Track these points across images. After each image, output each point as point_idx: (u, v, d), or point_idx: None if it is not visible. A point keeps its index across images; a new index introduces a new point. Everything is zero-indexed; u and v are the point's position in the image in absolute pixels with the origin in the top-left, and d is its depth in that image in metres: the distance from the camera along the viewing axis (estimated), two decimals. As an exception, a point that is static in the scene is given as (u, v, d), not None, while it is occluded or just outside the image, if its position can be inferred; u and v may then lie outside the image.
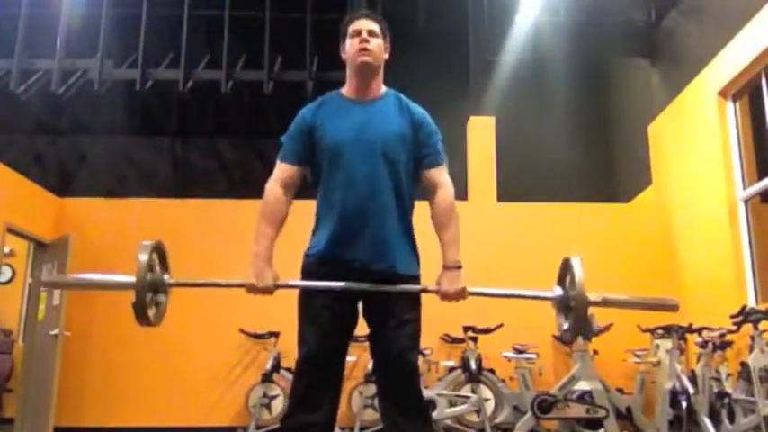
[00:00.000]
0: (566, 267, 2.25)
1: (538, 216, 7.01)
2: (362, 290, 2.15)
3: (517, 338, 6.19)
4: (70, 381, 6.19)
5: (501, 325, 6.00)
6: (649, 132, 7.56)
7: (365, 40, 2.26)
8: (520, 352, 6.10)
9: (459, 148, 7.48)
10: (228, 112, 8.88)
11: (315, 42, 8.17)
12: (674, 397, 5.15)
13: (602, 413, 5.46)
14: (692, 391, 5.02)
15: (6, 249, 6.89)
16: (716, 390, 5.10)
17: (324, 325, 2.16)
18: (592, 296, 2.14)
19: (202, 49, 8.28)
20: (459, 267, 2.21)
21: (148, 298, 2.23)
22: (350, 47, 2.29)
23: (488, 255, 6.74)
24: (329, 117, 2.29)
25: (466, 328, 6.02)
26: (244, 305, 6.45)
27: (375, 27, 2.31)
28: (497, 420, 5.90)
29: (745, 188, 5.88)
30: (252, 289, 2.17)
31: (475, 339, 6.03)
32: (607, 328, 5.90)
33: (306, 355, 2.16)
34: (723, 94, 6.06)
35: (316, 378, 2.14)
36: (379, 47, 2.30)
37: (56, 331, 5.99)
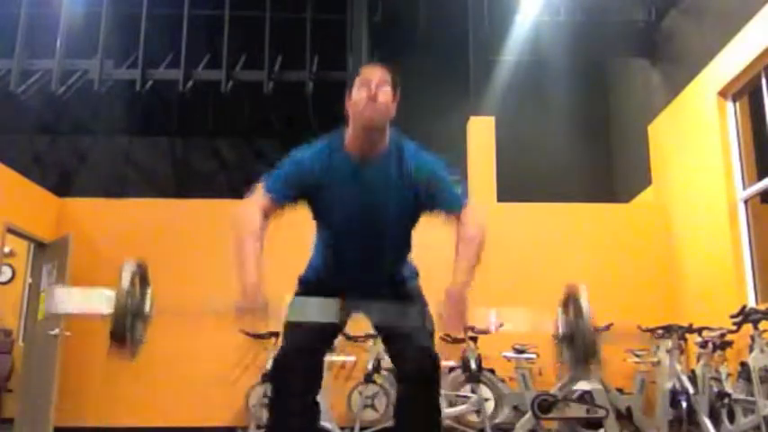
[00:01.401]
0: (572, 299, 2.29)
1: (538, 216, 7.01)
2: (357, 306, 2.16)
3: (517, 338, 6.19)
4: (70, 381, 6.18)
5: (501, 325, 5.99)
6: (649, 132, 7.56)
7: (375, 92, 2.04)
8: (520, 352, 6.10)
9: (460, 148, 7.48)
10: (228, 112, 8.88)
11: (315, 42, 8.17)
12: (674, 397, 5.15)
13: (602, 413, 5.46)
14: (692, 391, 5.01)
15: (6, 249, 6.89)
16: (716, 390, 5.09)
17: (309, 326, 2.12)
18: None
19: (202, 49, 8.28)
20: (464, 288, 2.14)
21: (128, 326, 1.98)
22: (356, 95, 2.05)
23: (488, 255, 6.74)
24: (337, 182, 2.09)
25: (466, 328, 6.02)
26: (244, 305, 6.49)
27: (386, 76, 2.08)
28: (497, 420, 5.90)
29: (745, 188, 5.88)
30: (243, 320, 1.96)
31: (475, 339, 6.03)
32: (607, 328, 5.89)
33: (284, 352, 2.13)
34: (723, 94, 6.06)
35: (294, 372, 2.10)
36: (387, 103, 2.06)
37: (56, 331, 5.98)
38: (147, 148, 9.10)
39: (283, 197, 2.08)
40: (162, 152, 9.18)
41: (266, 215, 2.05)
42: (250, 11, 8.28)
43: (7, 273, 7.81)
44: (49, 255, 6.57)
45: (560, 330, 2.24)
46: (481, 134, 7.21)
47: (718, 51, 6.00)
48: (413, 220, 2.22)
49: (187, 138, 9.28)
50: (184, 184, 8.85)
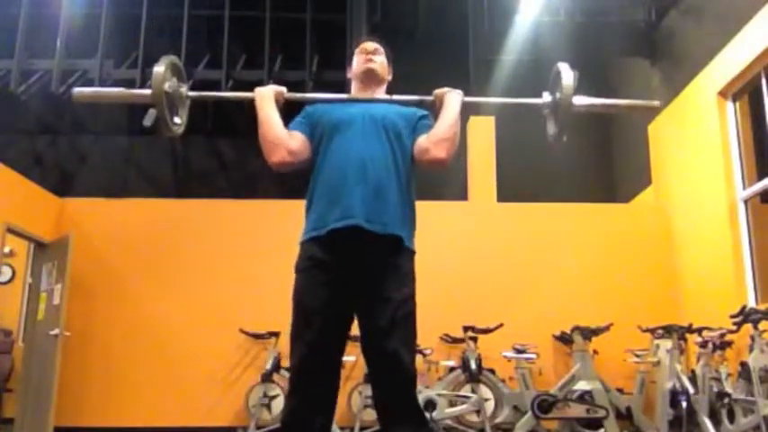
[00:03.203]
0: (556, 75, 2.39)
1: (538, 216, 7.01)
2: (354, 258, 2.09)
3: (517, 338, 6.19)
4: (70, 381, 6.18)
5: (501, 325, 6.01)
6: (649, 132, 7.57)
7: (370, 55, 2.42)
8: (520, 352, 6.10)
9: (460, 148, 7.48)
10: (228, 112, 8.88)
11: (315, 42, 8.18)
12: (674, 397, 5.15)
13: (602, 413, 5.46)
14: (692, 391, 5.02)
15: (6, 249, 6.90)
16: (716, 390, 5.10)
17: (319, 327, 2.11)
18: (576, 100, 2.33)
19: (202, 49, 8.29)
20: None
21: (168, 111, 2.31)
22: (356, 62, 2.44)
23: (488, 255, 6.75)
24: (333, 106, 2.37)
25: (466, 328, 6.02)
26: (244, 305, 6.50)
27: (380, 47, 2.46)
28: (497, 420, 5.90)
29: (745, 188, 5.88)
30: (260, 94, 2.37)
31: (475, 339, 6.03)
32: (607, 328, 5.90)
33: (301, 357, 2.11)
34: (723, 94, 6.07)
35: (312, 379, 2.10)
36: (382, 64, 2.44)
37: (56, 331, 5.99)
38: (147, 148, 9.09)
39: (299, 129, 2.29)
40: (162, 152, 9.18)
41: (295, 138, 2.26)
42: (250, 11, 8.28)
43: (7, 273, 7.81)
44: (49, 255, 6.57)
45: (547, 106, 2.46)
46: (481, 134, 7.21)
47: (718, 51, 6.00)
48: (408, 140, 2.27)
49: (187, 138, 9.27)
50: (184, 184, 8.85)
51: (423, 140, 2.23)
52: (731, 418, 4.95)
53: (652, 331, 5.70)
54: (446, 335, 6.36)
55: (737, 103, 6.08)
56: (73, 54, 7.86)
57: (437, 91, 2.33)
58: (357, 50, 2.46)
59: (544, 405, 5.52)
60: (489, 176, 7.09)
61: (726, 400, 4.98)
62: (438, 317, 6.03)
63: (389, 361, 2.05)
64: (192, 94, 2.48)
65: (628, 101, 2.79)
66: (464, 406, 5.86)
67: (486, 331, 5.99)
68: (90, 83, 7.77)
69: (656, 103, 2.56)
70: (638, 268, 6.75)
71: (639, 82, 8.04)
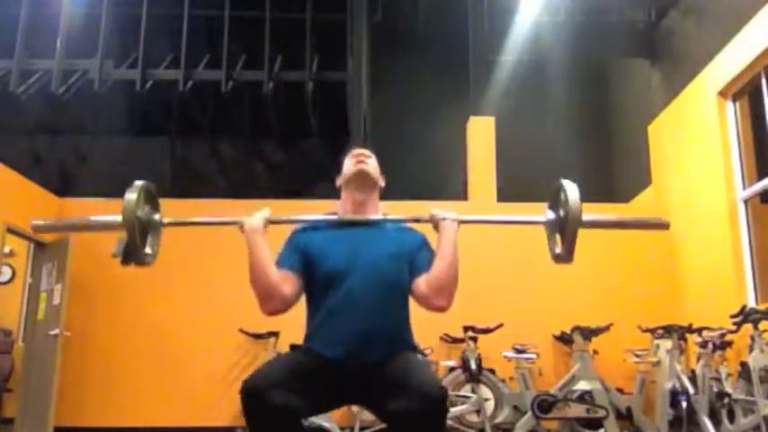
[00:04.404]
0: (558, 190, 2.23)
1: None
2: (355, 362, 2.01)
3: (517, 338, 6.19)
4: (70, 381, 6.19)
5: (501, 325, 6.01)
6: (649, 132, 7.56)
7: (362, 157, 2.27)
8: (520, 352, 6.10)
9: (460, 148, 7.49)
10: (228, 112, 8.88)
11: (315, 42, 8.17)
12: (674, 397, 5.16)
13: (602, 413, 5.46)
14: (692, 391, 5.02)
15: (6, 249, 6.89)
16: (716, 390, 5.10)
17: (292, 364, 2.00)
18: (585, 217, 2.12)
19: (202, 49, 8.28)
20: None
21: (139, 239, 2.17)
22: (346, 166, 2.28)
23: (488, 255, 6.75)
24: (324, 239, 2.19)
25: (466, 328, 6.02)
26: (244, 305, 6.49)
27: (371, 153, 2.32)
28: (497, 420, 5.90)
29: (745, 188, 5.88)
30: (251, 229, 2.12)
31: (475, 339, 6.03)
32: (607, 328, 5.90)
33: (247, 383, 1.88)
34: (723, 94, 6.07)
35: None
36: (375, 167, 2.29)
37: (56, 331, 5.99)
38: (147, 148, 9.09)
39: (287, 264, 2.14)
40: (162, 152, 9.18)
41: (284, 278, 2.11)
42: (250, 11, 8.28)
43: (7, 273, 7.81)
44: (49, 255, 6.57)
45: (549, 223, 2.28)
46: (481, 134, 7.21)
47: (718, 51, 6.00)
48: (405, 280, 2.15)
49: (187, 138, 9.28)
50: (184, 184, 8.85)
51: (423, 286, 2.09)
52: (731, 418, 4.95)
53: (652, 331, 5.70)
54: (446, 335, 6.37)
55: (737, 103, 6.08)
56: (73, 54, 7.85)
57: (433, 212, 2.16)
58: (347, 157, 2.31)
59: (544, 405, 5.52)
60: (489, 176, 7.09)
61: (726, 400, 4.98)
62: (438, 317, 6.00)
63: (416, 390, 1.81)
64: (166, 221, 2.35)
65: (638, 219, 2.80)
66: (464, 406, 5.86)
67: (486, 331, 5.99)
68: (90, 83, 7.76)
69: (666, 220, 2.38)
70: (638, 268, 6.75)
71: (639, 82, 8.04)
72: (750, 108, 5.97)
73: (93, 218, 2.38)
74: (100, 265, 6.64)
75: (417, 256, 2.16)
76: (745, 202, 5.88)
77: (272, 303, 2.10)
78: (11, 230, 6.09)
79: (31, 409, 6.13)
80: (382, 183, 2.32)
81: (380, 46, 8.23)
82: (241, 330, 6.28)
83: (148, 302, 6.51)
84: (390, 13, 8.36)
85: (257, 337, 6.25)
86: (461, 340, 6.12)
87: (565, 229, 2.15)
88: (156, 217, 2.29)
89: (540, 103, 8.84)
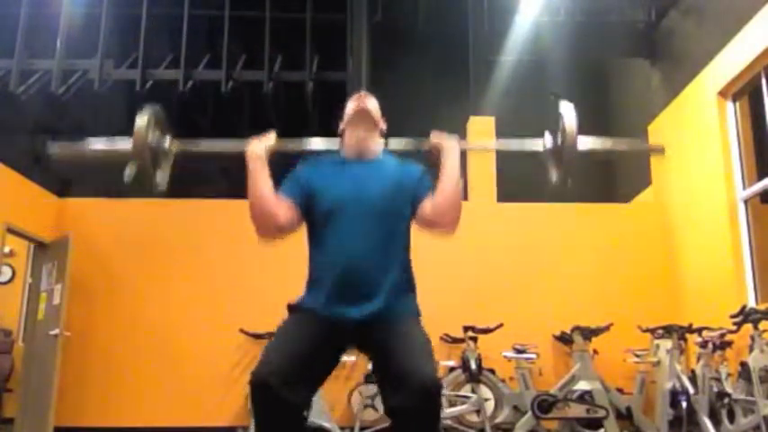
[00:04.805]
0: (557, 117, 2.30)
1: (538, 216, 7.01)
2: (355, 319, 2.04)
3: (517, 338, 6.19)
4: (70, 381, 6.18)
5: (501, 325, 6.01)
6: (649, 132, 7.56)
7: (363, 98, 2.32)
8: (520, 352, 6.10)
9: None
10: (228, 112, 8.88)
11: (315, 42, 8.17)
12: (674, 397, 5.16)
13: (602, 413, 5.46)
14: (692, 391, 5.02)
15: (6, 249, 6.89)
16: (716, 390, 5.10)
17: (298, 345, 2.00)
18: (580, 144, 2.24)
19: (202, 49, 8.28)
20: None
21: (150, 166, 2.26)
22: (348, 108, 2.32)
23: (488, 255, 6.75)
24: (325, 175, 2.24)
25: (466, 328, 6.02)
26: (244, 305, 6.50)
27: (372, 97, 2.37)
28: (497, 420, 5.90)
29: (745, 188, 5.88)
30: (254, 156, 2.25)
31: (475, 339, 6.03)
32: (607, 328, 5.90)
33: (258, 377, 1.94)
34: (723, 94, 6.07)
35: (269, 411, 1.94)
36: (376, 108, 2.33)
37: (56, 331, 5.99)
38: (147, 148, 9.08)
39: (288, 194, 2.19)
40: (162, 152, 9.17)
41: (283, 211, 2.16)
42: (250, 11, 8.28)
43: (7, 273, 7.81)
44: (49, 255, 6.57)
45: (546, 147, 2.38)
46: (481, 134, 7.21)
47: (718, 51, 6.00)
48: (410, 206, 2.20)
49: (187, 138, 9.26)
50: (184, 184, 8.84)
51: (428, 212, 2.14)
52: (731, 418, 4.95)
53: (652, 331, 5.70)
54: (446, 335, 6.36)
55: (737, 103, 6.08)
56: (73, 54, 7.86)
57: (433, 140, 2.24)
58: (349, 101, 2.35)
59: (544, 405, 5.52)
60: (489, 176, 7.09)
61: (726, 400, 4.98)
62: (438, 317, 6.01)
63: (414, 374, 1.87)
64: (176, 149, 2.41)
65: (633, 146, 2.79)
66: (464, 406, 5.86)
67: (486, 331, 5.99)
68: (90, 83, 7.76)
69: (661, 146, 2.53)
70: (638, 268, 6.75)
71: (639, 82, 8.04)
72: (750, 108, 5.97)
73: (104, 146, 2.44)
74: (100, 265, 6.66)
75: (419, 186, 2.21)
76: (745, 202, 5.88)
77: (267, 229, 2.16)
78: (11, 230, 6.09)
79: (31, 409, 6.13)
80: (383, 125, 2.37)
81: (380, 46, 8.22)
82: (241, 330, 6.28)
83: (148, 302, 6.51)
84: (390, 13, 8.35)
85: (257, 337, 6.24)
86: (461, 340, 6.12)
87: (561, 157, 2.26)
88: (167, 144, 2.36)
89: (540, 103, 8.82)
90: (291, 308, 2.16)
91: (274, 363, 1.96)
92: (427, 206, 2.14)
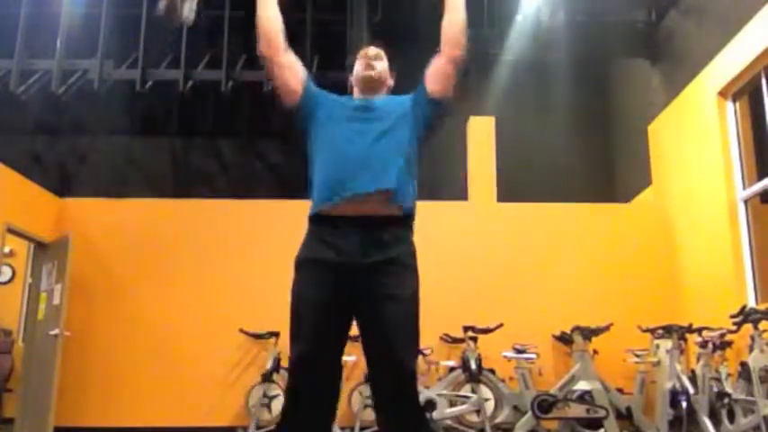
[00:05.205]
0: None
1: (538, 216, 7.01)
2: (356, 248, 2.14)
3: (517, 338, 6.20)
4: (70, 381, 6.19)
5: (501, 325, 6.01)
6: (649, 132, 7.57)
7: (371, 60, 2.47)
8: (520, 352, 6.10)
9: (460, 148, 7.48)
10: (228, 112, 8.88)
11: (315, 42, 8.17)
12: (674, 397, 5.15)
13: (602, 413, 5.47)
14: (692, 391, 5.02)
15: (6, 249, 6.90)
16: (716, 390, 5.10)
17: (319, 323, 2.11)
18: None
19: (202, 49, 8.27)
20: None
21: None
22: (356, 68, 2.49)
23: (488, 255, 6.75)
24: (332, 97, 2.44)
25: (466, 328, 6.02)
26: (244, 305, 6.50)
27: (381, 53, 2.53)
28: (497, 420, 5.90)
29: (745, 188, 5.88)
30: None
31: (475, 339, 6.03)
32: (607, 328, 5.90)
33: (299, 355, 2.10)
34: (723, 94, 6.07)
35: (312, 378, 2.09)
36: (383, 69, 2.49)
37: (56, 331, 5.99)
38: (147, 148, 9.09)
39: (306, 76, 2.47)
40: (162, 152, 9.18)
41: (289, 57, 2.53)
42: (250, 11, 8.26)
43: (7, 273, 7.81)
44: (49, 255, 6.57)
45: None
46: (481, 134, 7.22)
47: (718, 51, 6.00)
48: (415, 122, 2.34)
49: (187, 138, 9.27)
50: (184, 184, 8.85)
51: (441, 53, 2.46)
52: (731, 418, 4.95)
53: (652, 331, 5.70)
54: (446, 335, 6.37)
55: (737, 103, 6.08)
56: (73, 54, 7.85)
57: None
58: (359, 56, 2.51)
59: (544, 405, 5.52)
60: (489, 176, 7.10)
61: (726, 400, 4.98)
62: (438, 317, 6.03)
63: (391, 362, 2.05)
64: None
65: None
66: (464, 406, 5.86)
67: (486, 331, 5.99)
68: (90, 83, 7.76)
69: None
70: (638, 268, 6.75)
71: (639, 82, 8.04)
72: (750, 108, 5.97)
73: None
74: (100, 265, 6.66)
75: (414, 94, 2.41)
76: (745, 202, 5.88)
77: (263, 45, 2.57)
78: (11, 230, 6.09)
79: (31, 409, 6.14)
80: (391, 81, 2.54)
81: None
82: (241, 330, 6.28)
83: (148, 302, 6.52)
84: (390, 13, 8.35)
85: (257, 337, 6.25)
86: (461, 340, 6.12)
87: None
88: None
89: (540, 103, 8.84)
90: (299, 263, 2.21)
91: (306, 344, 2.10)
92: (436, 59, 2.43)
